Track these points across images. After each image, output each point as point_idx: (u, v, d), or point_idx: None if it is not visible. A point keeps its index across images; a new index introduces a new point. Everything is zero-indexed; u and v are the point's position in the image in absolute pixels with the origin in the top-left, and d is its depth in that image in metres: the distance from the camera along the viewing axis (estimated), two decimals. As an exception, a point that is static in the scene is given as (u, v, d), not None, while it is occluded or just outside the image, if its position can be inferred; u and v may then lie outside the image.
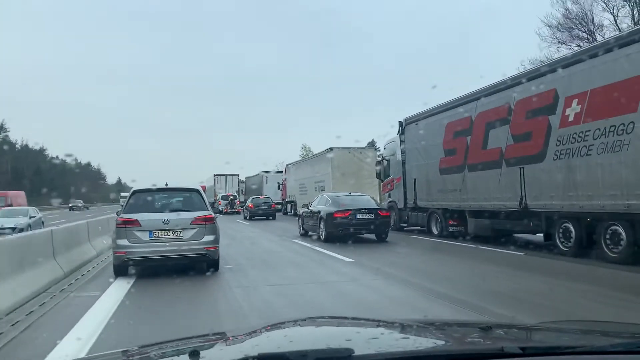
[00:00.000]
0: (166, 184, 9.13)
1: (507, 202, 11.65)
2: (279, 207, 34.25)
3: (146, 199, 8.85)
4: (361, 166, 25.06)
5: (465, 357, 1.48)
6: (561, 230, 10.23)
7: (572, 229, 9.94)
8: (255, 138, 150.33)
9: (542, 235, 11.20)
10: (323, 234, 14.29)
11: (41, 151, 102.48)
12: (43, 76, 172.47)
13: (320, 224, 14.47)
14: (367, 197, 15.95)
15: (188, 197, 9.01)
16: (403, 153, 17.03)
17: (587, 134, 9.31)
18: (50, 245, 8.47)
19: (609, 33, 28.12)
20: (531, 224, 11.21)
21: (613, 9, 30.56)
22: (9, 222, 19.86)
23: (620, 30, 25.86)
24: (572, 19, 30.97)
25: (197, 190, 9.19)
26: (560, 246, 10.23)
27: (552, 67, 10.45)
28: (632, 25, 26.91)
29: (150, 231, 8.30)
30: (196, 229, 8.45)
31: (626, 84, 8.48)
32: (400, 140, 17.17)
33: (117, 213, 9.19)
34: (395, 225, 17.50)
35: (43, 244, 8.28)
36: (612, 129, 8.70)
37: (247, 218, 29.53)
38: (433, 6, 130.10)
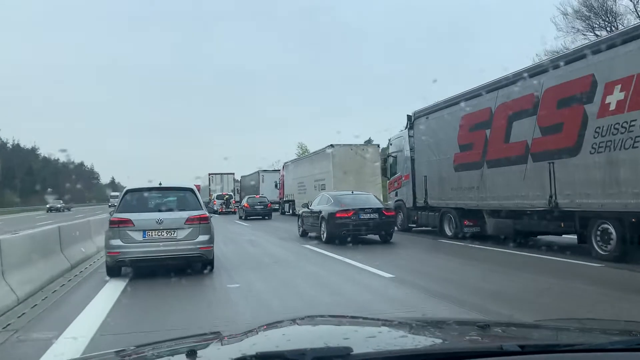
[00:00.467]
0: (160, 183, 9.02)
1: (533, 201, 10.59)
2: (276, 206, 33.60)
3: (139, 198, 8.80)
4: (363, 163, 24.04)
5: (463, 356, 1.38)
6: (599, 232, 9.20)
7: (612, 230, 8.90)
8: (251, 137, 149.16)
9: (567, 236, 10.08)
10: (324, 234, 13.51)
11: (33, 150, 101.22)
12: (36, 76, 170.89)
13: (321, 224, 13.73)
14: (371, 195, 15.29)
15: (182, 197, 8.92)
16: (412, 149, 16.01)
17: (632, 123, 8.26)
18: None
19: (627, 22, 27.17)
20: (562, 224, 10.11)
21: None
22: None
23: None
24: (590, 5, 30.04)
25: (191, 190, 9.08)
26: (598, 249, 9.19)
27: (588, 51, 9.34)
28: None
29: (144, 231, 8.21)
30: (190, 229, 8.36)
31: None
32: (409, 136, 16.15)
33: (110, 213, 9.16)
34: (402, 226, 16.54)
35: None
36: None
37: (243, 218, 29.15)
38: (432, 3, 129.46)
